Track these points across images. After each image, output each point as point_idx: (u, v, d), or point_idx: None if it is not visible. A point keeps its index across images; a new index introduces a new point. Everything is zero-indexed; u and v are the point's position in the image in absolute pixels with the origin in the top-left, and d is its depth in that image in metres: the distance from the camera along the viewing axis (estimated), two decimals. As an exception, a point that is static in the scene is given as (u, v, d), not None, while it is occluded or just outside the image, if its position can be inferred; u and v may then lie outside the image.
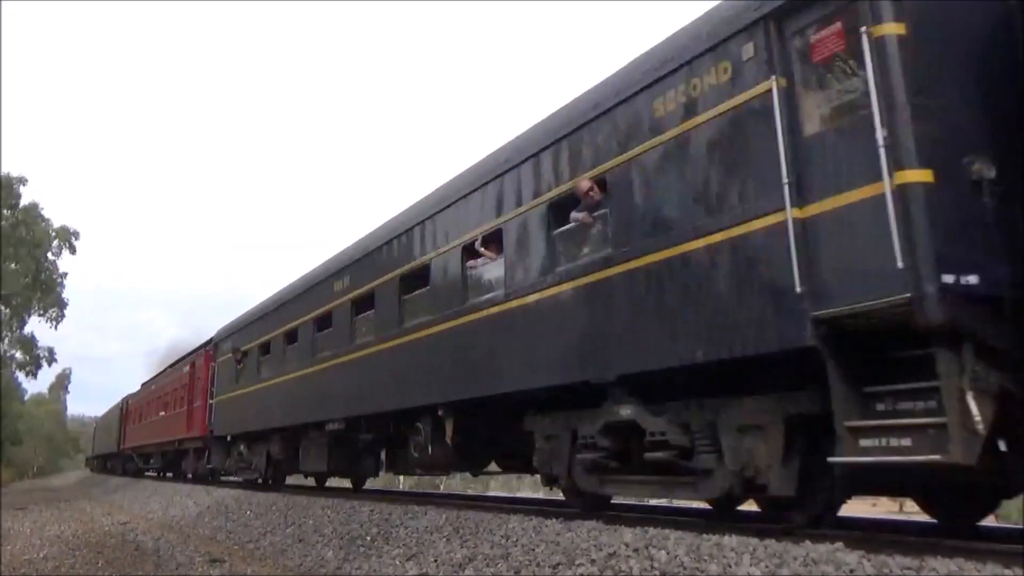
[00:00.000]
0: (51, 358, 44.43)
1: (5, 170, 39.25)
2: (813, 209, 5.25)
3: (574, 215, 7.54)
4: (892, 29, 4.87)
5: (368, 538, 9.04)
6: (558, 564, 6.12)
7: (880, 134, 4.77)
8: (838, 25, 5.23)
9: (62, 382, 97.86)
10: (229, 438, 20.40)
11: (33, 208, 39.08)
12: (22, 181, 38.57)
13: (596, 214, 7.36)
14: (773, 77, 5.51)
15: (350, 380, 12.53)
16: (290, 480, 19.32)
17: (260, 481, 18.61)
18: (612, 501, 8.95)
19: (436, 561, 7.30)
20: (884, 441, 4.85)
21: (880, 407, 4.98)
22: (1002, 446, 5.16)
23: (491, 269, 9.02)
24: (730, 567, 5.04)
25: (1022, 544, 5.05)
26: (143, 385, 36.01)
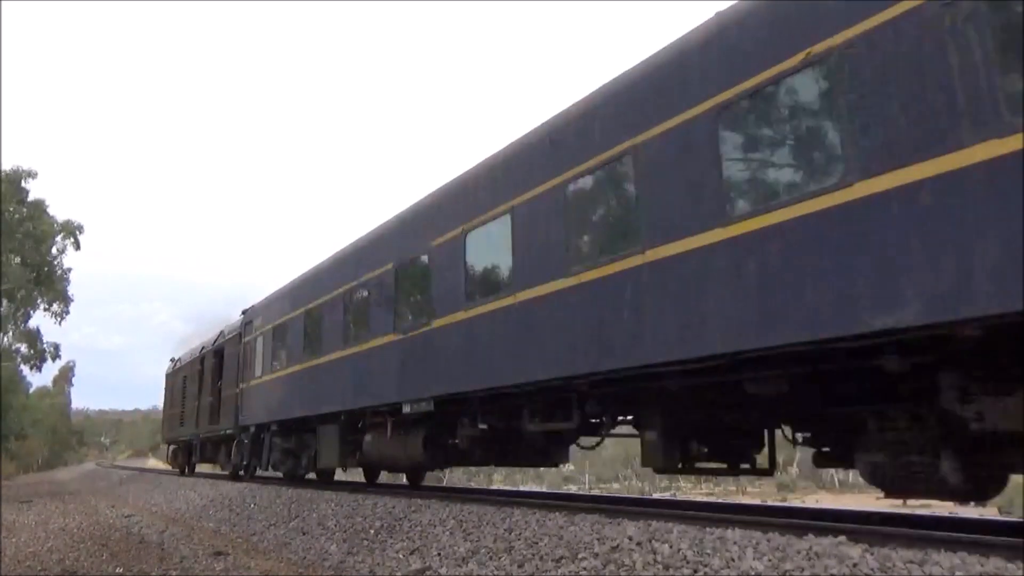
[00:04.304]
0: (56, 353, 44.52)
1: (15, 164, 39.33)
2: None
3: None
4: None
5: (372, 531, 9.07)
6: (561, 557, 6.14)
7: None
8: None
9: (66, 375, 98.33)
10: None
11: (39, 204, 39.12)
12: (31, 175, 38.55)
13: None
14: None
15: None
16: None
17: None
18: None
19: (440, 555, 7.32)
20: None
21: None
22: None
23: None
24: (733, 560, 5.05)
25: (1025, 538, 5.04)
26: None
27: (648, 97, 6.92)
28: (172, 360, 30.73)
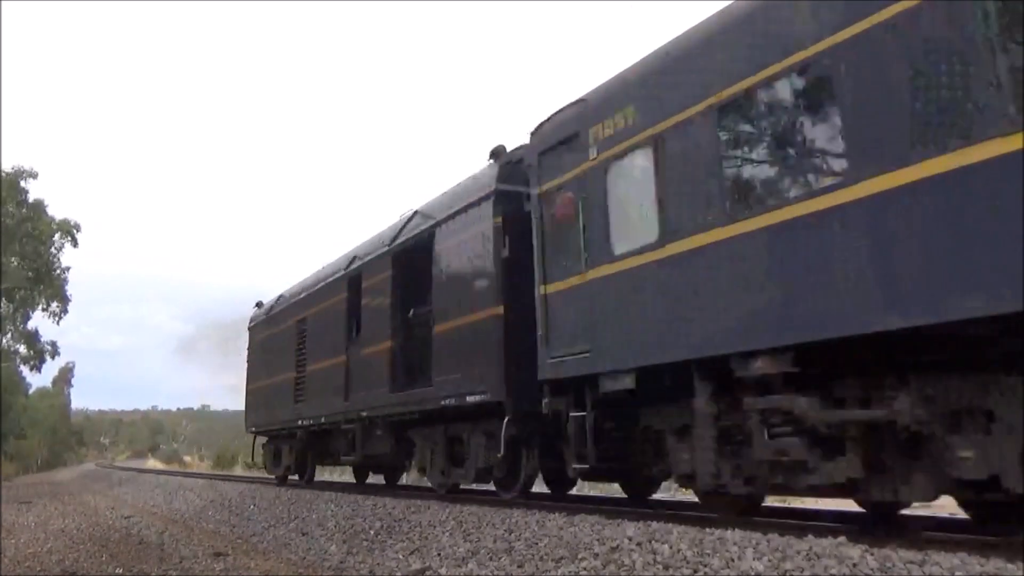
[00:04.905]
0: (54, 352, 44.60)
1: (15, 163, 39.75)
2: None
3: None
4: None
5: (372, 532, 9.07)
6: (561, 558, 6.13)
7: None
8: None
9: (65, 376, 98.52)
10: None
11: (39, 204, 39.29)
12: (32, 175, 38.70)
13: None
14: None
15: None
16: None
17: None
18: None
19: (439, 555, 7.31)
20: None
21: None
22: None
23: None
24: (733, 561, 5.04)
25: (1025, 538, 5.02)
26: None
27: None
28: (258, 305, 19.85)
